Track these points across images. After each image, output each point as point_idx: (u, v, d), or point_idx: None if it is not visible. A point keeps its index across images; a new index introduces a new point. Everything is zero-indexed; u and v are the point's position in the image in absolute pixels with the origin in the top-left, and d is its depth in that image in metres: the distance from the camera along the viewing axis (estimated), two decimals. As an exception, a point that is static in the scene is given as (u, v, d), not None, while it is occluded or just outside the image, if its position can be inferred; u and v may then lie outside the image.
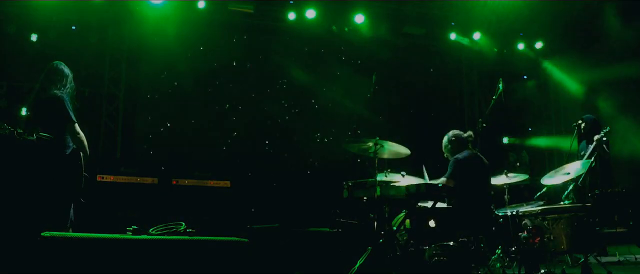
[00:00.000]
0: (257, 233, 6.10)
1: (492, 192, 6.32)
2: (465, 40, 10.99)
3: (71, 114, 5.36)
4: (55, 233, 3.67)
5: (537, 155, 11.21)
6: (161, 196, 7.55)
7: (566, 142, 7.48)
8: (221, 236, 4.21)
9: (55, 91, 5.43)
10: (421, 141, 10.88)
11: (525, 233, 5.53)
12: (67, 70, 5.67)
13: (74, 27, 8.62)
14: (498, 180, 6.67)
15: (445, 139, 6.50)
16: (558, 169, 6.35)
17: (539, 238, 5.52)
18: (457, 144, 6.32)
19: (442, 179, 6.23)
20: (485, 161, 6.30)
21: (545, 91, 11.75)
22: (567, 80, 11.15)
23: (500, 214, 5.85)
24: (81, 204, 5.41)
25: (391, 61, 11.07)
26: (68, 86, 5.57)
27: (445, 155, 6.56)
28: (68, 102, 5.41)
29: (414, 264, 5.63)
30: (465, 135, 6.36)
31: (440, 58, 11.43)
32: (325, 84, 10.46)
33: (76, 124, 5.38)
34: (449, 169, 6.16)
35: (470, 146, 6.36)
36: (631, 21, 9.55)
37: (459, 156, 6.21)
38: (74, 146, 5.36)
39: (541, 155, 11.24)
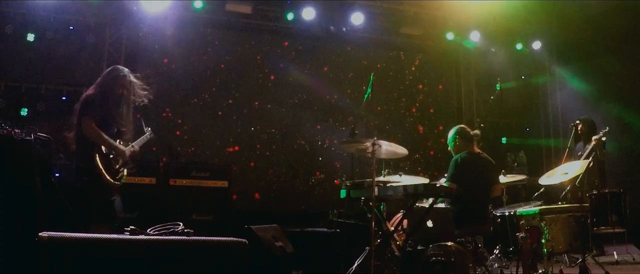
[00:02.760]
0: (255, 233, 6.09)
1: (502, 192, 6.29)
2: (462, 41, 11.00)
3: (87, 110, 5.34)
4: (52, 233, 3.66)
5: (535, 155, 11.23)
6: (159, 196, 7.53)
7: (564, 143, 7.49)
8: (219, 237, 4.20)
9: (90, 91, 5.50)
10: (419, 141, 10.96)
11: (523, 233, 5.53)
12: (112, 69, 5.68)
13: (72, 27, 8.60)
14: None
15: (452, 132, 6.43)
16: (556, 169, 6.36)
17: (536, 238, 5.53)
18: (462, 140, 6.29)
19: (442, 180, 6.23)
20: (490, 160, 6.28)
21: (543, 91, 11.76)
22: (566, 80, 11.16)
23: (498, 214, 5.86)
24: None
25: (389, 61, 11.09)
26: (107, 84, 5.54)
27: (449, 147, 6.51)
28: (92, 100, 5.39)
29: (412, 265, 5.63)
30: (472, 133, 6.33)
31: (438, 58, 11.44)
32: (323, 84, 10.47)
33: (85, 121, 5.34)
34: (449, 171, 6.16)
35: (475, 145, 6.34)
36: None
37: (459, 156, 6.21)
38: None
39: (539, 155, 11.25)
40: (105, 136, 5.35)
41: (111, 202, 5.41)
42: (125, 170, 5.60)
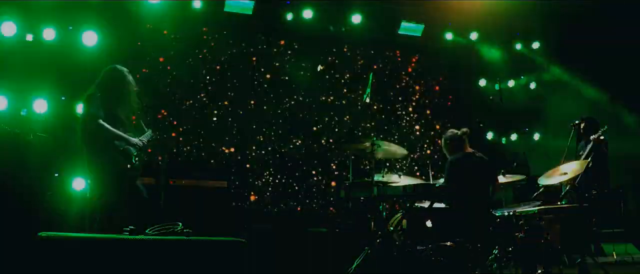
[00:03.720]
0: (255, 233, 6.09)
1: (494, 191, 6.29)
2: (462, 41, 10.99)
3: (88, 110, 5.43)
4: (51, 233, 3.65)
5: (535, 155, 11.22)
6: (158, 196, 7.52)
7: (564, 142, 7.47)
8: (218, 237, 4.20)
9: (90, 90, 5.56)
10: (418, 141, 10.95)
11: (522, 233, 5.52)
12: (111, 69, 5.76)
13: (70, 27, 8.56)
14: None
15: (442, 141, 6.51)
16: (555, 169, 6.35)
17: (535, 238, 5.52)
18: (453, 144, 6.32)
19: (441, 181, 6.24)
20: (484, 158, 6.27)
21: (542, 91, 11.75)
22: (565, 79, 11.16)
23: (497, 214, 5.85)
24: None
25: (386, 61, 11.07)
26: (107, 84, 5.62)
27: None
28: (92, 99, 5.46)
29: (411, 265, 5.63)
30: (460, 133, 6.34)
31: (436, 58, 11.43)
32: (322, 84, 10.45)
33: (91, 117, 5.41)
34: (445, 173, 6.16)
35: (467, 144, 6.34)
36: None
37: (451, 158, 6.21)
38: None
39: (538, 155, 11.24)
40: (114, 129, 5.44)
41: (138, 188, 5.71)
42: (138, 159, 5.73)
